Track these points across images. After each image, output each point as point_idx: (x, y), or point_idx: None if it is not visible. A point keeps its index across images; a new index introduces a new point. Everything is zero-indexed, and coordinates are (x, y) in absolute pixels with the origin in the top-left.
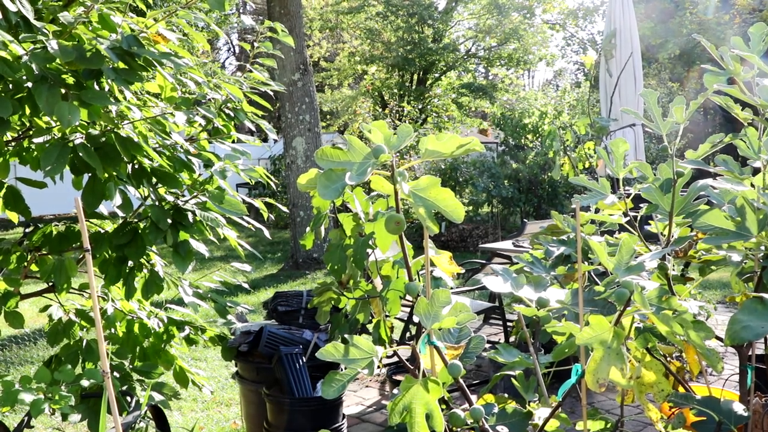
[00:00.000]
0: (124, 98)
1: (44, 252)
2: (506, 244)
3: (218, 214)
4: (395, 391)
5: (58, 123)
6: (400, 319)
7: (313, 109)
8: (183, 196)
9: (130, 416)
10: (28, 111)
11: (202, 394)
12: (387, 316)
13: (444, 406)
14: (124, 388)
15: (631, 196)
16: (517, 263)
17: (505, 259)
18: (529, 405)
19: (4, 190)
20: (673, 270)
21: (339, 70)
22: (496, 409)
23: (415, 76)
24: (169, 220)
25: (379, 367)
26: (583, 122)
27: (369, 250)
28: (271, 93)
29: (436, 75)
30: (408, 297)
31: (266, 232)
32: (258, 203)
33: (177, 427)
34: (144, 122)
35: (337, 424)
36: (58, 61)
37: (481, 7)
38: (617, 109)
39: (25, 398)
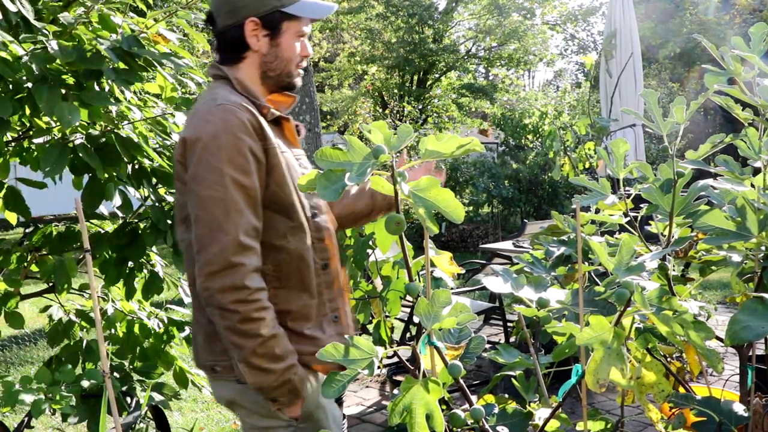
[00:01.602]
0: (125, 98)
1: (44, 252)
2: (506, 245)
3: None
4: (395, 391)
5: (58, 123)
6: (401, 320)
7: (313, 109)
8: None
9: (131, 417)
10: (28, 111)
11: (202, 394)
12: (387, 316)
13: (444, 407)
14: (125, 388)
15: (632, 197)
16: (518, 263)
17: (506, 260)
18: (529, 405)
19: (4, 191)
20: (674, 270)
21: (339, 71)
22: (496, 410)
23: (416, 77)
24: (169, 221)
25: (379, 367)
26: (583, 122)
27: (369, 251)
28: None
29: (437, 75)
30: (408, 297)
31: None
32: None
33: (177, 428)
34: (144, 122)
35: None
36: (58, 61)
37: (481, 8)
38: (617, 110)
39: (25, 398)
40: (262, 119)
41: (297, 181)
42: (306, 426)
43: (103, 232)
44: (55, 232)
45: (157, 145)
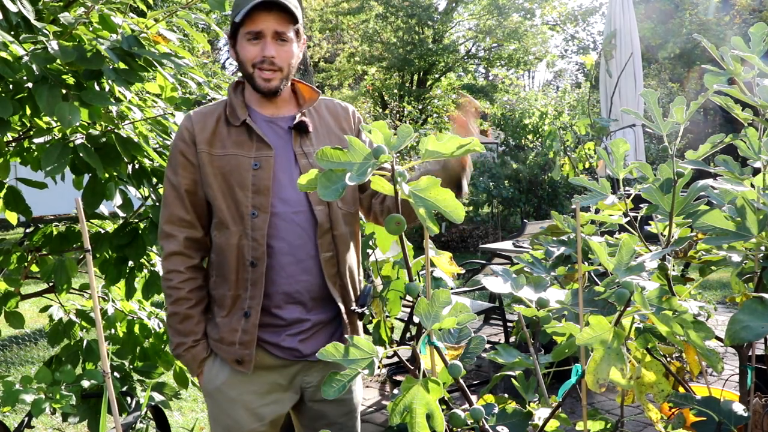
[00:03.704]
0: (125, 98)
1: (45, 252)
2: (506, 245)
3: None
4: (395, 391)
5: (58, 123)
6: (401, 320)
7: None
8: None
9: (131, 416)
10: (28, 111)
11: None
12: (387, 316)
13: (444, 407)
14: (125, 388)
15: (632, 197)
16: (517, 264)
17: (505, 260)
18: (529, 405)
19: (4, 191)
20: (673, 270)
21: (339, 71)
22: (496, 410)
23: (415, 77)
24: None
25: (379, 367)
26: (583, 122)
27: (369, 251)
28: None
29: (436, 76)
30: (408, 297)
31: None
32: None
33: (177, 427)
34: (144, 122)
35: None
36: (58, 61)
37: (481, 8)
38: (617, 110)
39: (26, 398)
40: (200, 128)
41: (233, 181)
42: (209, 402)
43: (103, 231)
44: (55, 232)
45: (157, 145)
